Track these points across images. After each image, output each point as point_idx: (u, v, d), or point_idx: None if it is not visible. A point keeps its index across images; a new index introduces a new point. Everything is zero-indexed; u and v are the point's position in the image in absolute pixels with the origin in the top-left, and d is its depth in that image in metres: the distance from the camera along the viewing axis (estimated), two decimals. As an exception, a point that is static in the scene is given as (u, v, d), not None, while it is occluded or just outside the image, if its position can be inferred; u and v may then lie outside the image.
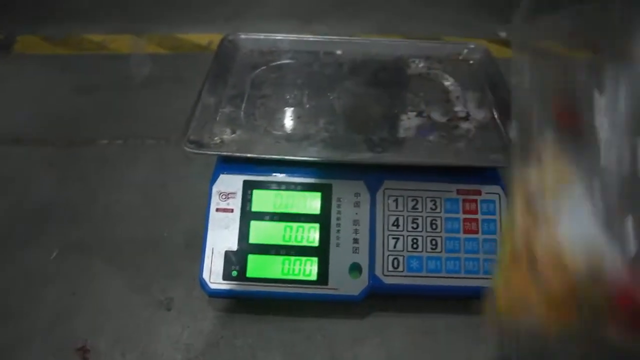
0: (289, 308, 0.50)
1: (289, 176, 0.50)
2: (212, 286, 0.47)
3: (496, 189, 0.50)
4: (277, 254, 0.48)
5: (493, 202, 0.50)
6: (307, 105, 0.54)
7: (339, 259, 0.48)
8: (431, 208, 0.49)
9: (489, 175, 0.51)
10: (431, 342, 0.48)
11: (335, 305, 0.49)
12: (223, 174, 0.50)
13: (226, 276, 0.47)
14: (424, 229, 0.49)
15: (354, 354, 0.47)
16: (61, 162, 0.66)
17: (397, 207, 0.49)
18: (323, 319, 0.49)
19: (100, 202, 0.60)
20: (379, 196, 0.49)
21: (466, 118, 0.54)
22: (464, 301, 0.50)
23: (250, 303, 0.51)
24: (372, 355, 0.47)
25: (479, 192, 0.50)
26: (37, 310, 0.50)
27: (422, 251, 0.48)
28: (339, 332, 0.48)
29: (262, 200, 0.49)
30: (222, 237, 0.48)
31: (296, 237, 0.48)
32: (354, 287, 0.47)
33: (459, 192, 0.50)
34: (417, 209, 0.49)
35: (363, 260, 0.47)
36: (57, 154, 0.67)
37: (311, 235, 0.48)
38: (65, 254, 0.55)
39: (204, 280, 0.47)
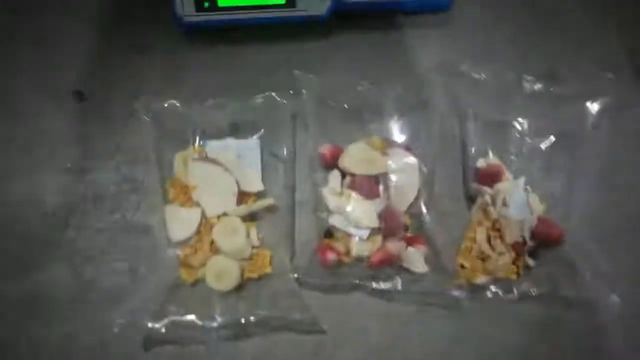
0: (261, 35, 0.54)
1: None
2: (187, 19, 0.50)
3: None
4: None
5: None
6: None
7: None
8: None
9: None
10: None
11: (304, 28, 0.54)
12: None
13: (199, 8, 0.49)
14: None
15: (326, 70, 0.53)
16: None
17: None
18: (293, 42, 0.54)
19: None
20: None
21: None
22: (416, 17, 0.56)
23: (225, 35, 0.54)
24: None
25: None
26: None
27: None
28: (309, 54, 0.54)
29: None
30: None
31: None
32: (320, 7, 0.51)
33: None
34: None
35: (327, -20, 0.50)
36: None
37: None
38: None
39: (178, 15, 0.49)
